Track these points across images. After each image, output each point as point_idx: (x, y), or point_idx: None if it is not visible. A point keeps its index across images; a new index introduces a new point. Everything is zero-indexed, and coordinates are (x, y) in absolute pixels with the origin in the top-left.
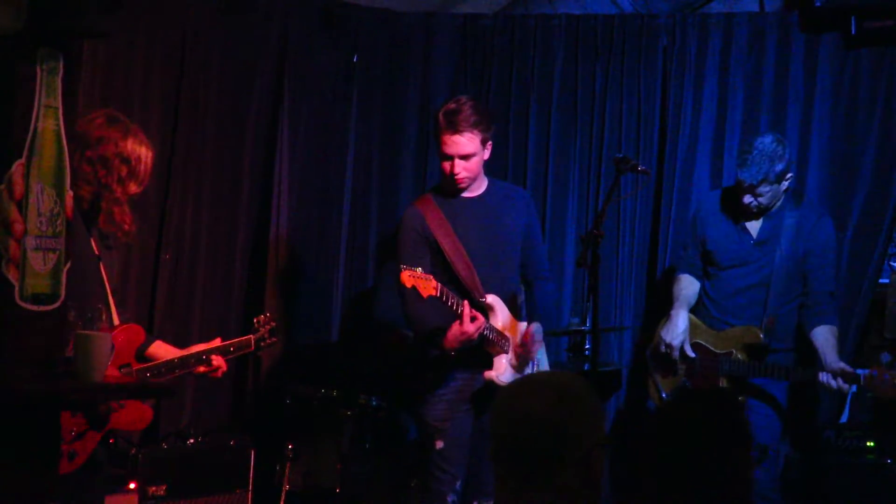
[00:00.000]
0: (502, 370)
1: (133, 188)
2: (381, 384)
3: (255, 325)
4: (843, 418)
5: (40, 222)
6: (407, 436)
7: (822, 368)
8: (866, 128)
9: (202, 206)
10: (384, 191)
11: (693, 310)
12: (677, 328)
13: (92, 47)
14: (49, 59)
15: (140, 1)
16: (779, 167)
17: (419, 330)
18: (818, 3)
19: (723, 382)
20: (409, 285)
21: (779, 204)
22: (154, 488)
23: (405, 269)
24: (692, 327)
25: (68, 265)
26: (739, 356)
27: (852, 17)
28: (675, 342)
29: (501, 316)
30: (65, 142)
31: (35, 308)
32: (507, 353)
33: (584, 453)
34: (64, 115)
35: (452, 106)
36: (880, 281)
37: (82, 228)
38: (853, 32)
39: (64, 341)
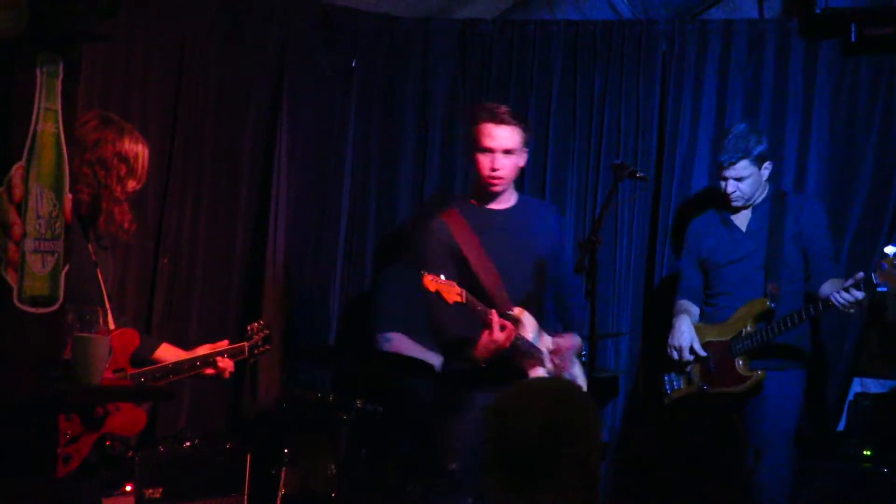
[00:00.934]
0: None
1: (132, 185)
2: (380, 392)
3: (249, 332)
4: (841, 426)
5: (39, 225)
6: (402, 442)
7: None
8: (865, 135)
9: (200, 210)
10: (382, 196)
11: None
12: (680, 330)
13: (91, 51)
14: (48, 62)
15: (139, 5)
16: (756, 149)
17: (445, 340)
18: (818, 10)
19: (739, 361)
20: (432, 290)
21: (763, 195)
22: (150, 491)
23: (427, 274)
24: (700, 331)
25: (67, 268)
26: (749, 328)
27: (852, 24)
28: (683, 342)
29: (531, 329)
30: (64, 145)
31: (33, 310)
32: (542, 365)
33: (582, 457)
34: (63, 118)
35: (490, 104)
36: (879, 289)
37: (79, 232)
38: (853, 39)
39: (62, 344)
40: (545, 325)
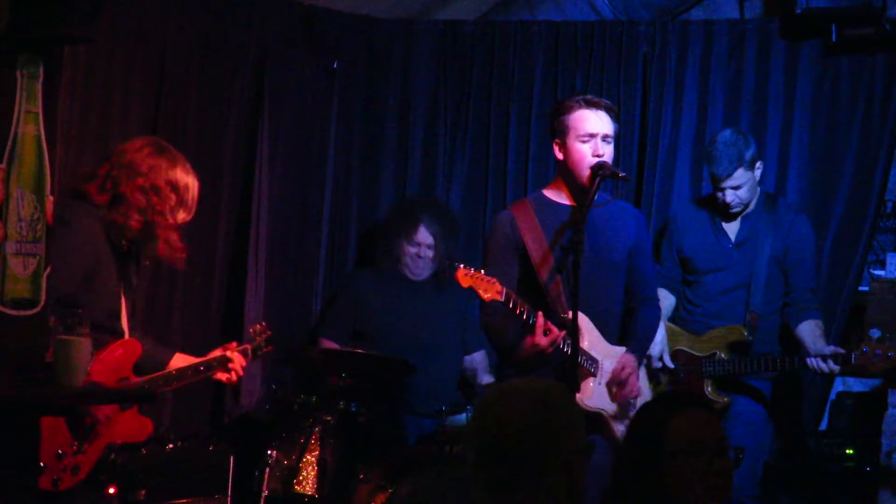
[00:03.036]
0: (589, 393)
1: (182, 216)
2: (369, 392)
3: (252, 333)
4: (823, 425)
5: (20, 227)
6: (387, 442)
7: (810, 355)
8: (846, 135)
9: None
10: (364, 197)
11: (673, 318)
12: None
13: (72, 53)
14: (30, 64)
15: (121, 7)
16: (748, 153)
17: (498, 345)
18: (799, 11)
19: (708, 385)
20: (464, 285)
21: (755, 202)
22: (133, 493)
23: (461, 268)
24: (672, 335)
25: (48, 270)
26: (723, 356)
27: (832, 25)
28: (653, 352)
29: (589, 335)
30: (45, 147)
31: (14, 313)
32: (595, 375)
33: (564, 460)
34: (45, 120)
35: (581, 95)
36: (860, 288)
37: (107, 252)
38: (833, 40)
39: (44, 346)
40: (609, 335)
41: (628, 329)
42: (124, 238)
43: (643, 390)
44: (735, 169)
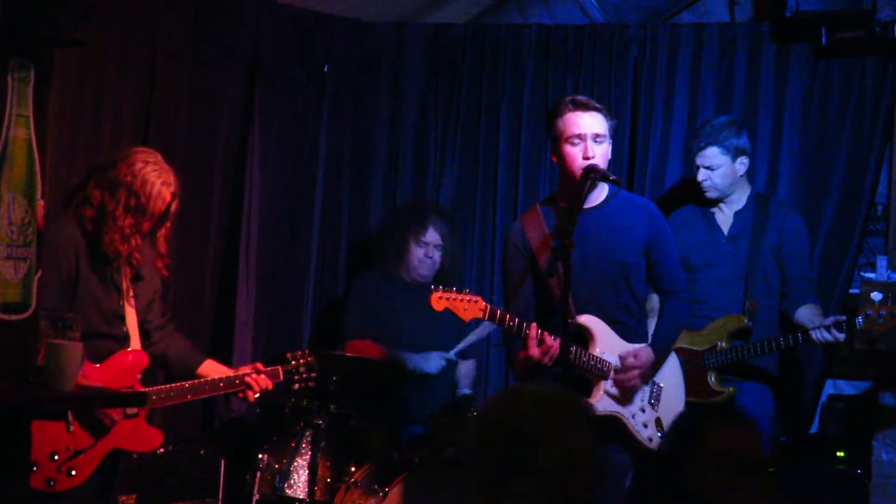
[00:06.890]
0: (597, 398)
1: (143, 223)
2: (358, 398)
3: (289, 357)
4: (814, 428)
5: (11, 231)
6: (379, 446)
7: (812, 329)
8: (836, 138)
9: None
10: (354, 201)
11: None
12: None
13: (63, 56)
14: (20, 68)
15: (112, 10)
16: (730, 140)
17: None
18: (788, 14)
19: (711, 376)
20: (439, 308)
21: (746, 199)
22: (124, 497)
23: (435, 292)
24: None
25: (39, 274)
26: (724, 345)
27: (822, 28)
28: None
29: (602, 339)
30: (36, 151)
31: (6, 317)
32: (607, 378)
33: (554, 469)
34: (35, 124)
35: (569, 96)
36: (851, 291)
37: (86, 256)
38: (823, 43)
39: (35, 350)
40: (631, 334)
41: (656, 323)
42: (84, 233)
43: (671, 385)
44: (707, 146)
